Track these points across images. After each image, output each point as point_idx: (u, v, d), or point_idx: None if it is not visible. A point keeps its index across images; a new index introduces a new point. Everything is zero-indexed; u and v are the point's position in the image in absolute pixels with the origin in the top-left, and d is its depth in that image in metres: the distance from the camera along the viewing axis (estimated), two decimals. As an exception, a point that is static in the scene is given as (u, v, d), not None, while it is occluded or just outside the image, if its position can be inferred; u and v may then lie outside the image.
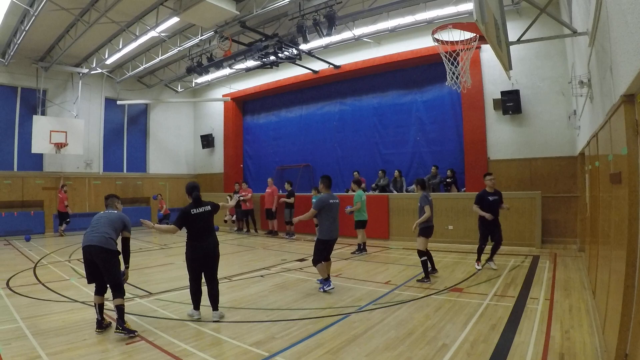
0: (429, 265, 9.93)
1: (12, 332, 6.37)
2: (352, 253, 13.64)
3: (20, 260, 13.35)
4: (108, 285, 6.58)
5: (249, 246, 16.32)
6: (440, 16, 15.17)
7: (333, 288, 8.88)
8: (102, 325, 6.45)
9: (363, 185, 16.75)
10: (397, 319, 6.85)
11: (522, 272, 10.08)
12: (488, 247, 10.49)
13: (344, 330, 6.37)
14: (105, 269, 6.43)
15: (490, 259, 10.55)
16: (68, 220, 20.53)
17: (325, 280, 8.95)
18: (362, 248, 13.87)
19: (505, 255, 11.99)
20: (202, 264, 7.14)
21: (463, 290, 8.61)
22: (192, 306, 7.25)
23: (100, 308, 6.52)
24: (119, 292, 6.44)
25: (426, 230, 9.84)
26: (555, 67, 14.45)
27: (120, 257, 6.73)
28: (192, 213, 7.16)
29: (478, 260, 10.60)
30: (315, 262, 9.03)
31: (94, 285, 6.66)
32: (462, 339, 5.84)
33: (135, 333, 6.32)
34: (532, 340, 5.66)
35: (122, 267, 6.81)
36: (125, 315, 6.45)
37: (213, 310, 7.15)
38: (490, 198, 10.25)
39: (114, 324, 6.46)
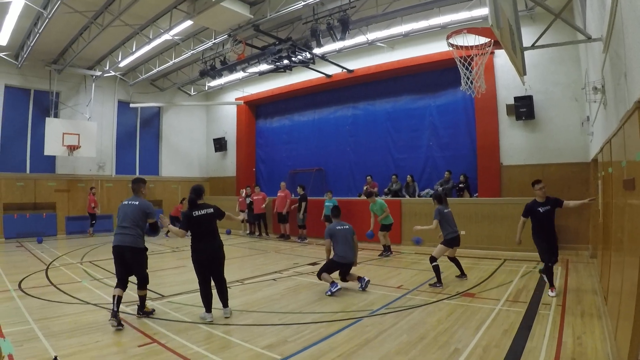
0: (458, 270, 10.29)
1: (24, 334, 6.40)
2: (379, 255, 13.87)
3: (32, 262, 13.47)
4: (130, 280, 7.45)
5: (261, 250, 16.37)
6: (454, 21, 15.16)
7: (340, 289, 9.04)
8: (116, 316, 6.73)
9: (375, 190, 16.78)
10: (410, 324, 6.87)
11: (534, 277, 10.05)
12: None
13: (356, 334, 6.39)
14: (135, 266, 7.34)
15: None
16: (93, 222, 21.08)
17: (332, 283, 9.11)
18: (388, 249, 14.14)
19: (518, 261, 11.95)
20: (207, 266, 7.35)
21: (475, 295, 8.61)
22: (204, 309, 7.31)
23: (118, 300, 6.91)
24: (143, 284, 7.48)
25: (448, 240, 9.90)
26: (569, 73, 14.40)
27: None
28: (194, 215, 7.40)
29: (552, 286, 8.54)
30: (319, 274, 9.45)
31: (111, 286, 7.05)
32: (474, 343, 5.85)
33: (154, 311, 7.62)
34: (544, 346, 5.65)
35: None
36: (139, 318, 7.38)
37: (223, 307, 7.43)
38: (542, 209, 8.83)
39: (124, 328, 6.74)
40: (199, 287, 7.37)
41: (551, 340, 5.84)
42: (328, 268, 9.42)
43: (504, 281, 9.84)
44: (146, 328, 6.74)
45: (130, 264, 7.28)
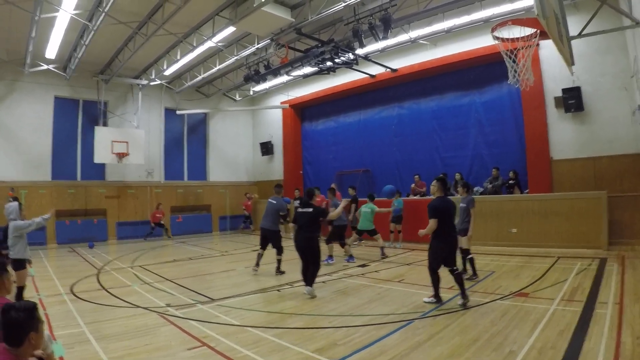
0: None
1: (75, 337, 6.58)
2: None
3: (83, 266, 13.90)
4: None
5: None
6: (496, 14, 14.84)
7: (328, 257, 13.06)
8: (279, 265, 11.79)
9: (423, 189, 16.66)
10: (462, 325, 6.80)
11: (589, 275, 9.82)
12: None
13: (407, 337, 6.35)
14: (273, 241, 11.79)
15: None
16: (246, 220, 25.52)
17: (330, 257, 13.37)
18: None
19: (571, 258, 11.68)
20: (299, 250, 9.45)
21: (529, 295, 8.45)
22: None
23: (258, 257, 11.93)
24: (280, 252, 11.72)
25: None
26: (617, 62, 13.92)
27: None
28: (298, 211, 9.79)
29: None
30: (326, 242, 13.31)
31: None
32: (529, 345, 5.73)
33: (284, 272, 11.64)
34: (602, 347, 5.50)
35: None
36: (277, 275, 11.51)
37: (305, 285, 9.20)
38: None
39: (174, 331, 6.90)
40: None
41: (609, 341, 5.67)
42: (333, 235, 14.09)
43: (557, 280, 9.61)
44: (195, 331, 6.85)
45: (270, 240, 11.78)
